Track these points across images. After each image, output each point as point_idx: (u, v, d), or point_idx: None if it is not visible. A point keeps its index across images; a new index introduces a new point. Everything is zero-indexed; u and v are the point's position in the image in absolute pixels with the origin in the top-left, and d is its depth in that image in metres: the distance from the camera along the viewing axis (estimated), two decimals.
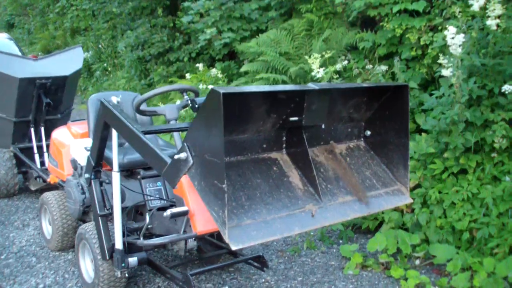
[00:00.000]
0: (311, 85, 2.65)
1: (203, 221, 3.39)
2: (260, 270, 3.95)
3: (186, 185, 3.18)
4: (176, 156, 2.59)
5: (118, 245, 3.43)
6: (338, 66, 6.27)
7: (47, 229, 4.79)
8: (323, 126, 2.89)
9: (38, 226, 5.28)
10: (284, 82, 7.09)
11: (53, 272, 4.26)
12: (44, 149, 6.19)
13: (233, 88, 2.38)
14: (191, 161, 2.51)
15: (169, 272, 3.57)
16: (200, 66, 8.85)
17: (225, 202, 2.28)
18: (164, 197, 4.13)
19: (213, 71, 8.47)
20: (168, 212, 3.33)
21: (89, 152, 3.78)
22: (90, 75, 14.77)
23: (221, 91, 2.20)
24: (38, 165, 6.14)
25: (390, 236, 4.42)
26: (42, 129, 6.23)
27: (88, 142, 4.13)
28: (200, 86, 8.25)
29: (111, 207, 3.64)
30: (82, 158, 4.04)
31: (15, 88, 5.79)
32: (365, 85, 2.95)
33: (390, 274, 4.15)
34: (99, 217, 3.59)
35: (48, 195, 4.64)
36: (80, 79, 15.13)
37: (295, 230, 2.54)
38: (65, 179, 4.52)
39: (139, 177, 4.11)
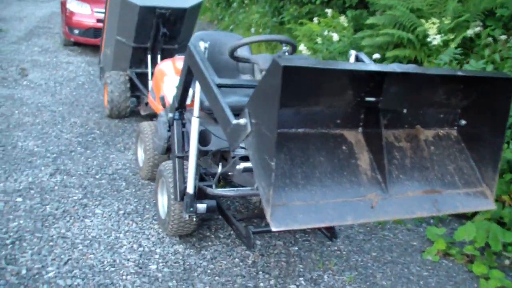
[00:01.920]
0: (394, 67, 2.40)
1: None
2: (328, 239, 3.83)
3: None
4: (235, 121, 2.49)
5: (189, 189, 3.45)
6: (470, 32, 5.75)
7: (141, 157, 4.96)
8: (404, 111, 2.64)
9: None
10: (409, 41, 6.65)
11: (137, 200, 4.43)
12: None
13: (299, 61, 2.20)
14: (249, 129, 2.40)
15: (235, 225, 3.56)
16: (329, 12, 8.54)
17: (272, 180, 2.16)
18: None
19: (342, 18, 8.14)
20: (241, 165, 3.30)
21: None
22: (228, 5, 14.86)
23: (282, 64, 2.05)
24: None
25: (481, 228, 4.08)
26: (159, 57, 6.38)
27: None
28: (325, 33, 8.00)
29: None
30: (170, 97, 4.07)
31: (135, 15, 5.93)
32: (460, 73, 2.63)
33: (472, 269, 3.86)
34: (176, 158, 3.63)
35: (144, 125, 4.78)
36: (218, 8, 15.29)
37: (348, 220, 2.38)
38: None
39: None
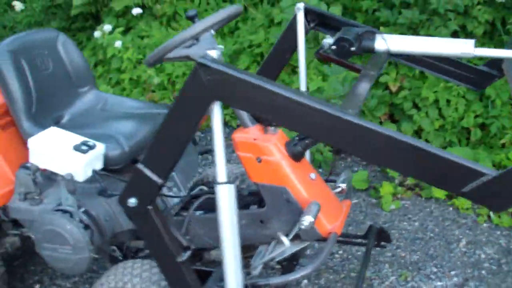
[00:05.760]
0: None
1: (331, 213, 2.03)
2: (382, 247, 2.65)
3: (286, 166, 1.98)
4: None
5: None
6: None
7: None
8: None
9: None
10: None
11: None
12: None
13: None
14: None
15: None
16: None
17: None
18: (182, 190, 2.70)
19: None
20: (306, 220, 1.85)
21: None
22: None
23: None
24: None
25: None
26: None
27: (58, 134, 2.38)
28: None
29: (191, 241, 2.08)
30: (76, 166, 2.27)
31: None
32: None
33: None
34: (181, 265, 1.98)
35: None
36: None
37: None
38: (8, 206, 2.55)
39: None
